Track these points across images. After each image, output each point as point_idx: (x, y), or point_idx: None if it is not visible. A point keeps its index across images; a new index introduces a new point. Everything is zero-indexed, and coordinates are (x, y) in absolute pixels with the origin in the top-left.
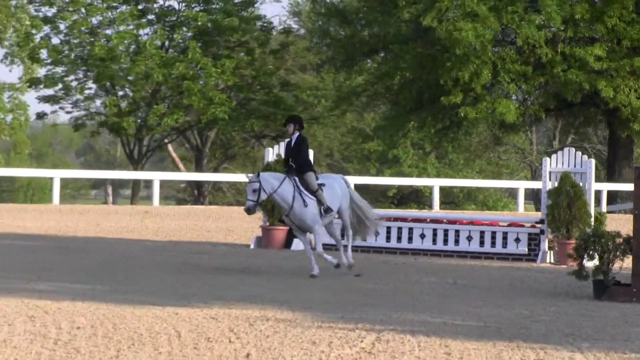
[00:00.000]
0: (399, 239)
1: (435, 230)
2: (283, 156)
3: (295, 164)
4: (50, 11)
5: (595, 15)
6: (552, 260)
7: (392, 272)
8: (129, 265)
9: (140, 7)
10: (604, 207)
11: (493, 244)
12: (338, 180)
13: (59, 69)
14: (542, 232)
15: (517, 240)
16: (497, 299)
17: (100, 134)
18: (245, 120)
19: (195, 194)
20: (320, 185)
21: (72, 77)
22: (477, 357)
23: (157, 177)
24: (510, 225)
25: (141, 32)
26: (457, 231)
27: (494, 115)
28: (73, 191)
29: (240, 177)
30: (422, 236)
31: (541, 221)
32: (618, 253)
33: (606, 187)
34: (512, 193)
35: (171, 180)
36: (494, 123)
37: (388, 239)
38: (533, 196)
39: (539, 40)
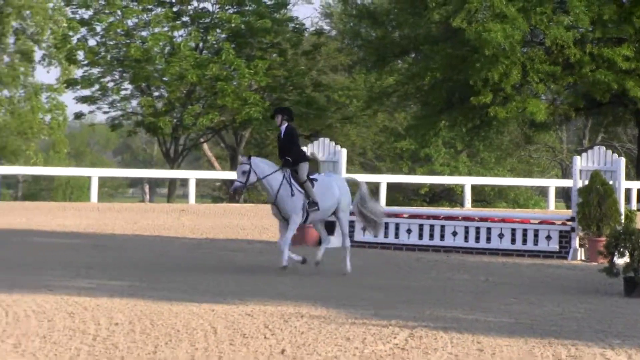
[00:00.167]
0: (432, 236)
1: (467, 227)
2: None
3: (291, 157)
4: (86, 13)
5: (623, 15)
6: (583, 258)
7: (425, 269)
8: (166, 263)
9: (174, 9)
10: (634, 205)
11: (524, 241)
12: (339, 181)
13: (96, 70)
14: (572, 229)
15: (548, 237)
16: (528, 296)
17: (137, 134)
18: None
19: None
20: (312, 179)
21: (108, 78)
22: (509, 354)
23: (193, 175)
24: (541, 222)
25: (176, 33)
26: (488, 229)
27: (524, 114)
28: (111, 189)
29: None
30: (454, 234)
31: (572, 219)
32: None
33: (636, 185)
34: (543, 191)
35: (207, 179)
36: (525, 122)
37: (420, 236)
38: (563, 194)
39: (568, 40)
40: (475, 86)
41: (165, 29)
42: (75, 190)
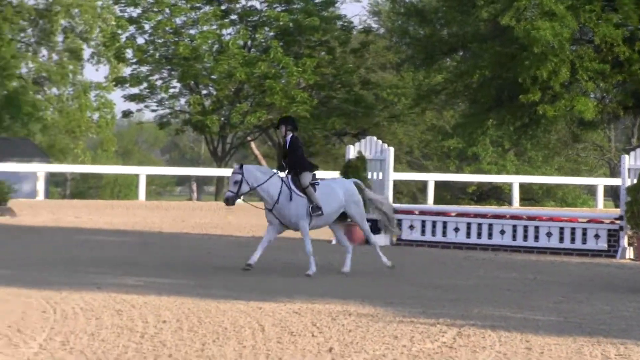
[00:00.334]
0: (479, 235)
1: (515, 226)
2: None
3: (289, 163)
4: (135, 12)
5: None
6: (632, 256)
7: (473, 268)
8: (213, 261)
9: (223, 7)
10: None
11: (572, 240)
12: (344, 184)
13: (144, 68)
14: (621, 228)
15: (597, 236)
16: (577, 295)
17: (185, 132)
18: (326, 118)
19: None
20: (313, 184)
21: (156, 76)
22: (557, 352)
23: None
24: (589, 221)
25: (224, 31)
26: (536, 227)
27: (572, 112)
28: (158, 187)
29: (322, 174)
30: (502, 232)
31: (620, 217)
32: None
33: None
34: (591, 190)
35: None
36: (573, 120)
37: (468, 235)
38: (612, 193)
39: (617, 38)
40: (524, 84)
41: (214, 27)
42: (123, 188)
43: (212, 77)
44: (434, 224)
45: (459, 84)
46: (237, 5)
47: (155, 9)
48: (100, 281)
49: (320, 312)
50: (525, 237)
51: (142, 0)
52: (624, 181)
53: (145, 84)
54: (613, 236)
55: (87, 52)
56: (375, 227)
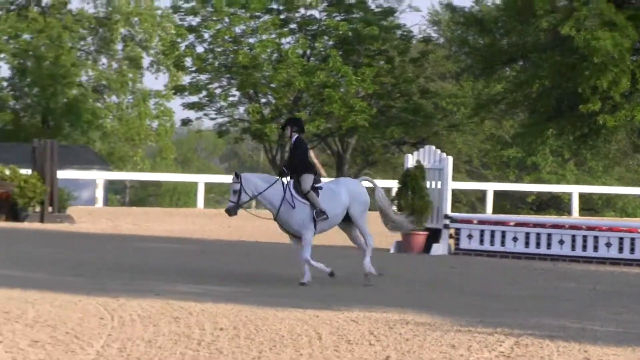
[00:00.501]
0: (538, 244)
1: (574, 236)
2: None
3: (291, 167)
4: (194, 20)
5: None
6: None
7: (531, 277)
8: (270, 269)
9: (282, 16)
10: None
11: (632, 250)
12: (348, 185)
13: (203, 77)
14: None
15: None
16: (636, 305)
17: (244, 140)
18: (385, 128)
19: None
20: (317, 188)
21: (216, 84)
22: None
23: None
24: None
25: (283, 40)
26: (596, 237)
27: (632, 122)
28: (217, 195)
29: (381, 183)
30: (561, 242)
31: None
32: None
33: None
34: None
35: None
36: (633, 131)
37: (527, 244)
38: None
39: None
40: (584, 94)
41: (273, 35)
42: (182, 196)
43: (271, 85)
44: (492, 233)
45: (519, 94)
46: (296, 14)
47: (214, 18)
48: (158, 288)
49: (378, 321)
50: (585, 247)
51: (202, 9)
52: None
53: (204, 92)
54: None
55: (146, 61)
56: (435, 236)
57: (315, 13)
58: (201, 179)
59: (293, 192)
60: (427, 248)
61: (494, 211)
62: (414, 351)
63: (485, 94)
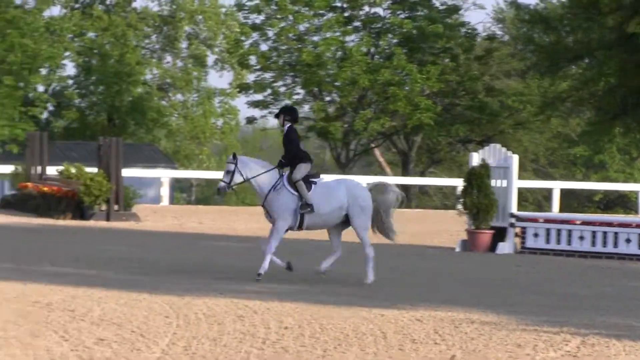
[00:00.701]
0: (605, 243)
1: None
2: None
3: (286, 158)
4: (258, 18)
5: None
6: None
7: (598, 276)
8: (335, 267)
9: (346, 14)
10: None
11: None
12: (349, 187)
13: (268, 75)
14: None
15: None
16: None
17: (309, 138)
18: (450, 125)
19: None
20: (312, 182)
21: (280, 82)
22: None
23: (363, 180)
24: None
25: (347, 38)
26: None
27: None
28: None
29: (446, 182)
30: (628, 241)
31: None
32: None
33: None
34: None
35: None
36: None
37: (593, 243)
38: None
39: None
40: None
41: (337, 33)
42: (248, 194)
43: (336, 83)
44: (558, 232)
45: (585, 92)
46: (361, 12)
47: (278, 16)
48: (223, 287)
49: (443, 320)
50: None
51: (266, 7)
52: None
53: (269, 91)
54: None
55: (211, 59)
56: (501, 235)
57: (379, 11)
58: None
59: (285, 181)
60: (492, 247)
61: (561, 209)
62: (480, 350)
63: (551, 91)
